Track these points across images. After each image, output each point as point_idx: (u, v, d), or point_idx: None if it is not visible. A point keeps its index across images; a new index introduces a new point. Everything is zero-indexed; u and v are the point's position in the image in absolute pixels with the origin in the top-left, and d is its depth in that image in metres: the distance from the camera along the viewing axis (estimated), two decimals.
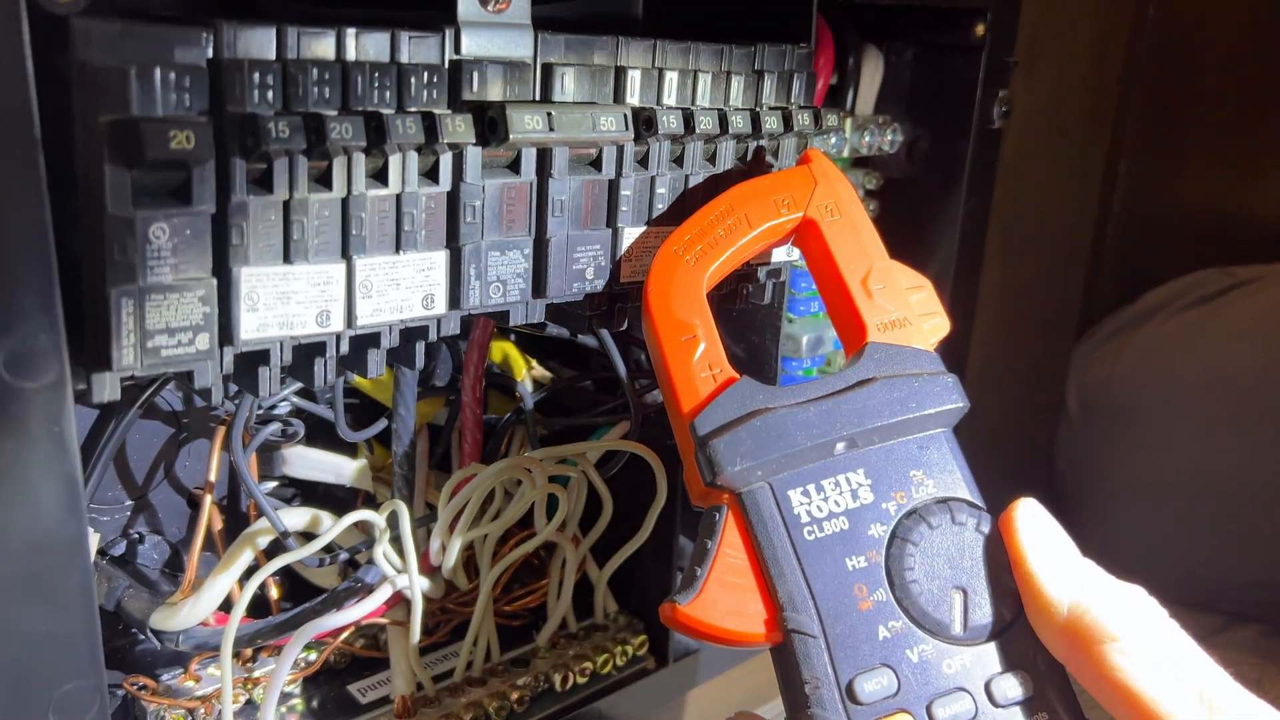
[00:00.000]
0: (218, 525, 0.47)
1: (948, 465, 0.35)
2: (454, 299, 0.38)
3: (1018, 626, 0.33)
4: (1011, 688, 0.32)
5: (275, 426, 0.47)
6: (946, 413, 0.36)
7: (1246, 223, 0.95)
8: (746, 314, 0.56)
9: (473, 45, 0.36)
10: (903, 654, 0.32)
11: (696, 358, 0.36)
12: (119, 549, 0.48)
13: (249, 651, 0.47)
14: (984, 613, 0.33)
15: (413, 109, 0.34)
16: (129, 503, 0.48)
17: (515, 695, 0.49)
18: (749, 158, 0.46)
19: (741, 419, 0.34)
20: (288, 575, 0.50)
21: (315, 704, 0.48)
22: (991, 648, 0.33)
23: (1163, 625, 0.32)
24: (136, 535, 0.49)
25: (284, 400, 0.47)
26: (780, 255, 0.49)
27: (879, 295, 0.38)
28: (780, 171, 0.41)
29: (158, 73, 0.30)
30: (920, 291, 0.39)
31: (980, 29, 0.57)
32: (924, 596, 0.33)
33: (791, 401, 0.35)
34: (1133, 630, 0.31)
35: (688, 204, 0.44)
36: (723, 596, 0.32)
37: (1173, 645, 0.31)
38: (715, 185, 0.45)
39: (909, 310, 0.38)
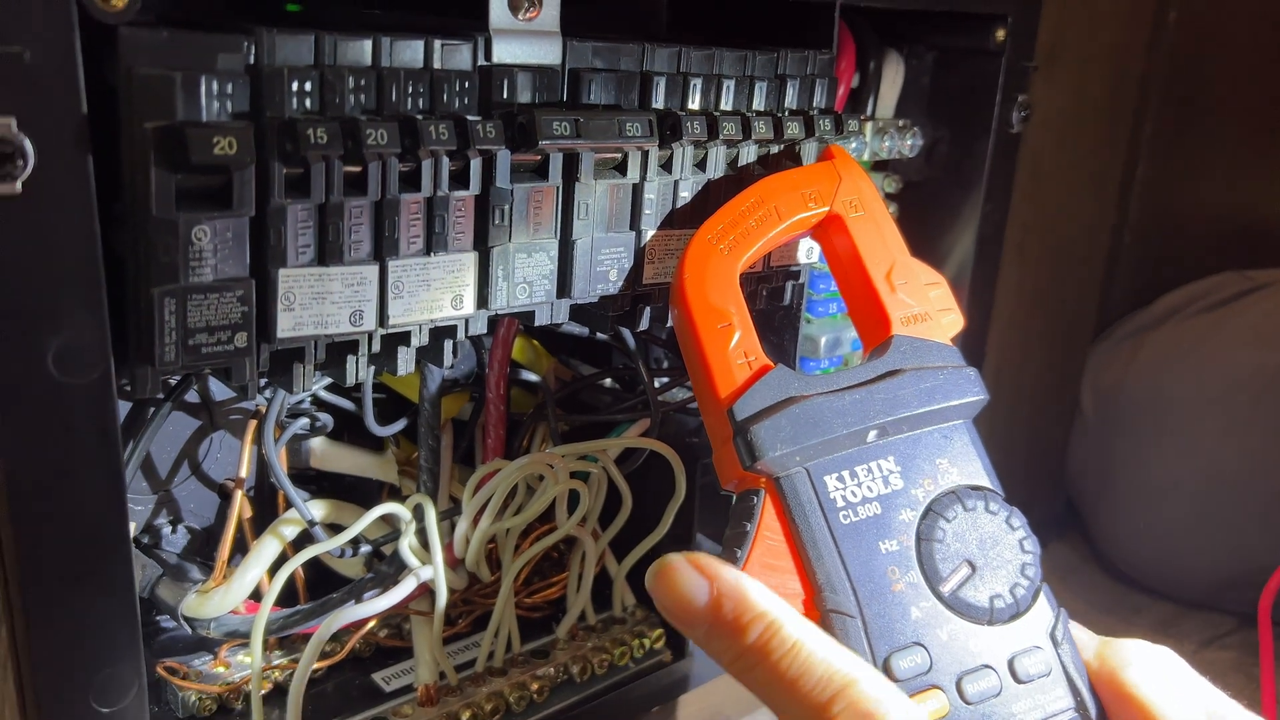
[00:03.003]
0: (247, 515, 0.48)
1: (970, 455, 0.37)
2: (482, 299, 0.39)
3: (1037, 608, 0.35)
4: (1033, 664, 0.34)
5: (304, 420, 0.48)
6: (969, 404, 0.37)
7: (1263, 227, 0.95)
8: (765, 315, 0.56)
9: (503, 52, 0.37)
10: (934, 633, 0.33)
11: (733, 345, 0.37)
12: (148, 537, 0.49)
13: (276, 639, 0.49)
14: (1008, 597, 0.34)
15: (445, 115, 0.35)
16: (157, 493, 0.49)
17: (535, 686, 0.50)
18: (770, 162, 0.46)
19: (779, 405, 0.35)
20: (314, 565, 0.51)
21: (340, 691, 0.49)
22: (1014, 627, 0.34)
23: None
24: (164, 523, 0.50)
25: (308, 395, 0.49)
26: (800, 257, 0.50)
27: (902, 290, 0.39)
28: (806, 166, 0.42)
29: (202, 80, 0.31)
30: (937, 288, 0.40)
31: (1000, 34, 0.58)
32: (953, 579, 0.34)
33: (826, 389, 0.36)
34: None
35: (710, 208, 0.45)
36: (763, 577, 0.33)
37: None
38: (738, 188, 0.46)
39: (929, 305, 0.39)
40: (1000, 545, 0.35)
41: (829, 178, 0.41)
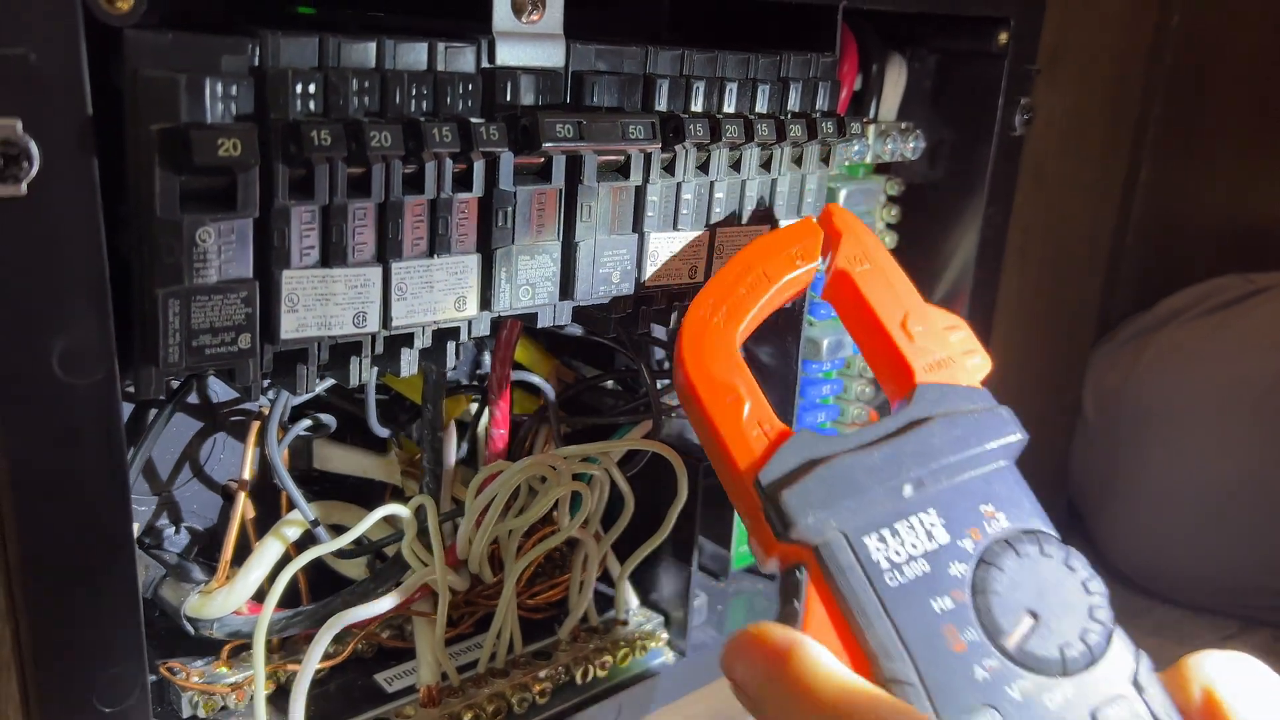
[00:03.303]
0: (250, 516, 0.48)
1: (1016, 498, 0.34)
2: (485, 301, 0.39)
3: (1113, 652, 0.32)
4: (1118, 716, 0.31)
5: (307, 422, 0.48)
6: (1008, 446, 0.35)
7: (1266, 230, 0.95)
8: (769, 317, 0.56)
9: (507, 55, 0.37)
10: (1003, 692, 0.31)
11: (745, 417, 0.35)
12: (151, 538, 0.49)
13: (278, 640, 0.49)
14: (1079, 645, 0.31)
15: (448, 117, 0.35)
16: (160, 494, 0.49)
17: (537, 687, 0.50)
18: (772, 165, 0.46)
19: (805, 468, 0.33)
20: (317, 566, 0.51)
21: (343, 692, 0.49)
22: (1091, 677, 0.31)
23: None
24: (167, 524, 0.50)
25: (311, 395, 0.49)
26: None
27: (920, 337, 0.37)
28: (788, 225, 0.41)
29: (206, 82, 0.31)
30: (959, 330, 0.38)
31: (1003, 37, 0.58)
32: (1016, 632, 0.31)
33: (853, 446, 0.34)
34: None
35: (712, 210, 0.45)
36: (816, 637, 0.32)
37: None
38: (740, 191, 0.46)
39: (951, 349, 0.37)
40: (1063, 589, 0.32)
41: (812, 233, 0.40)
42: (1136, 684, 0.31)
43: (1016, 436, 0.35)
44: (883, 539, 0.32)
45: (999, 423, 0.35)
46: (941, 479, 0.34)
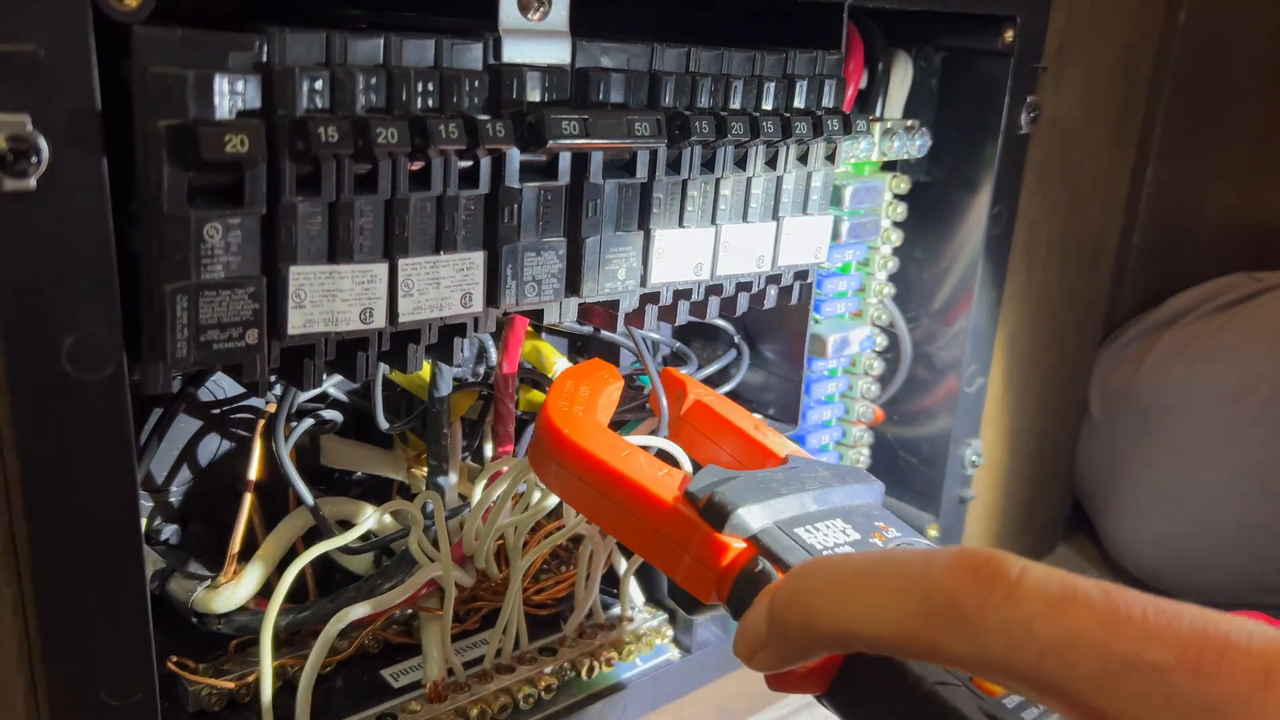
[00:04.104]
0: (257, 511, 0.49)
1: (900, 524, 0.37)
2: (491, 297, 0.39)
3: None
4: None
5: (314, 418, 0.48)
6: (876, 490, 0.39)
7: (1274, 228, 0.95)
8: (774, 314, 0.57)
9: (513, 52, 0.38)
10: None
11: (643, 461, 0.38)
12: (159, 533, 0.50)
13: (285, 635, 0.49)
14: None
15: (455, 114, 0.35)
16: (168, 489, 0.49)
17: (543, 683, 0.50)
18: (778, 162, 0.47)
19: (724, 480, 0.36)
20: (324, 562, 0.51)
21: (349, 687, 0.50)
22: None
23: None
24: (175, 519, 0.50)
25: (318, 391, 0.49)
26: (808, 258, 0.50)
27: (769, 435, 0.43)
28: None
29: (214, 79, 0.31)
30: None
31: (1009, 35, 0.58)
32: None
33: (754, 474, 0.38)
34: None
35: (718, 207, 0.45)
36: None
37: None
38: (746, 188, 0.46)
39: (794, 446, 0.43)
40: None
41: (604, 367, 0.45)
42: None
43: (880, 485, 0.39)
44: (810, 531, 0.35)
45: (864, 475, 0.40)
46: (835, 501, 0.37)
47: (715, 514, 0.35)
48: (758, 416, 0.46)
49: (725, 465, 0.40)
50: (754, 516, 0.35)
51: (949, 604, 0.25)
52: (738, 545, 0.35)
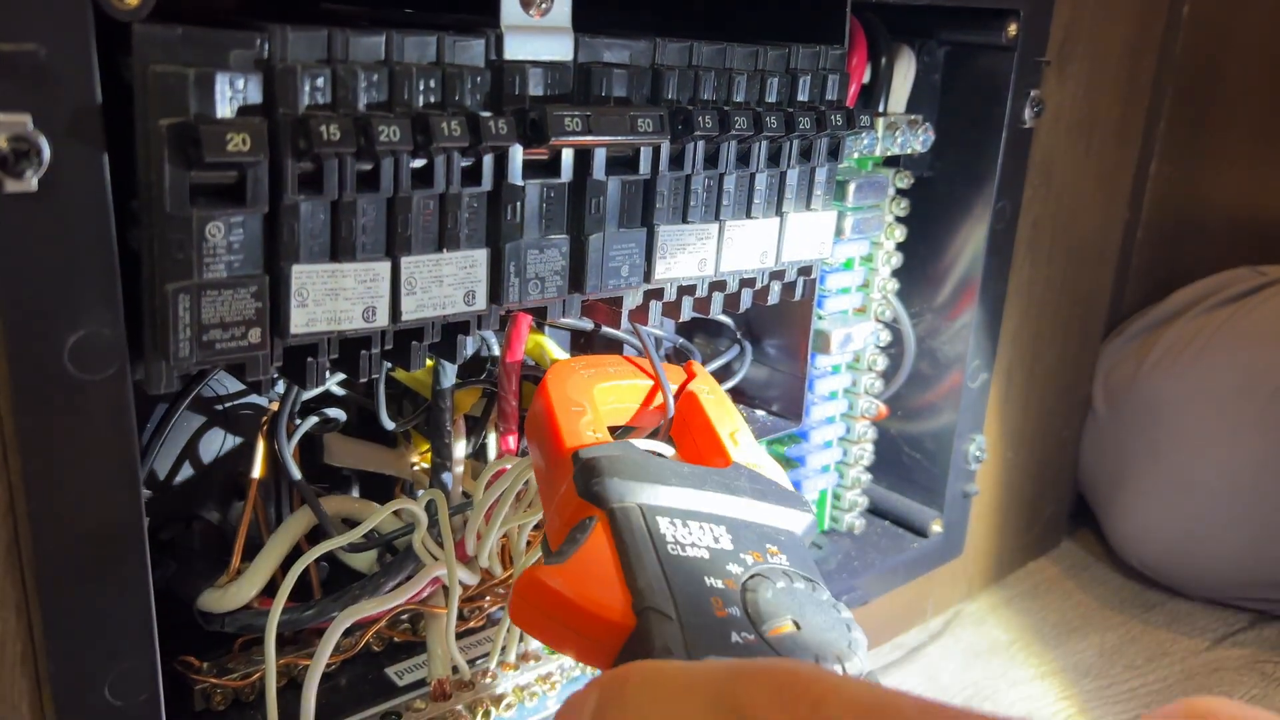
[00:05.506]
0: (261, 511, 0.49)
1: (801, 554, 0.36)
2: (494, 295, 0.39)
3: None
4: None
5: (317, 416, 0.48)
6: (800, 517, 0.38)
7: (1277, 222, 0.94)
8: (778, 310, 0.56)
9: (515, 48, 0.37)
10: (755, 657, 0.30)
11: (584, 421, 0.39)
12: (163, 532, 0.50)
13: (290, 634, 0.49)
14: (834, 662, 0.32)
15: (457, 111, 0.35)
16: (171, 488, 0.49)
17: (548, 681, 0.50)
18: (781, 157, 0.46)
19: (623, 455, 0.36)
20: (328, 560, 0.51)
21: (354, 686, 0.49)
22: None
23: None
24: (179, 519, 0.50)
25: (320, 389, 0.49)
26: (811, 253, 0.50)
27: (743, 447, 0.42)
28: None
29: (216, 77, 0.31)
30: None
31: (1013, 29, 0.58)
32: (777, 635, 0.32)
33: (669, 461, 0.38)
34: None
35: (721, 203, 0.45)
36: (587, 571, 0.32)
37: None
38: (750, 183, 0.46)
39: (767, 463, 0.41)
40: (827, 619, 0.33)
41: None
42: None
43: (810, 516, 0.38)
44: (673, 523, 0.34)
45: (795, 498, 0.38)
46: (736, 511, 0.36)
47: (584, 477, 0.35)
48: (757, 412, 0.45)
49: (692, 459, 0.40)
50: (620, 491, 0.35)
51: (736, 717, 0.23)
52: (589, 510, 0.35)
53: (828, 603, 0.34)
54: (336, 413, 0.49)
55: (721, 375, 0.57)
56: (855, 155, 0.56)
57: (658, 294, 0.45)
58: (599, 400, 0.42)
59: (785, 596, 0.33)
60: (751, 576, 0.33)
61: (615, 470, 0.35)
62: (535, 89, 0.38)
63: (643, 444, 0.44)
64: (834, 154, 0.49)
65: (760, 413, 0.60)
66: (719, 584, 0.33)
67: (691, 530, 0.34)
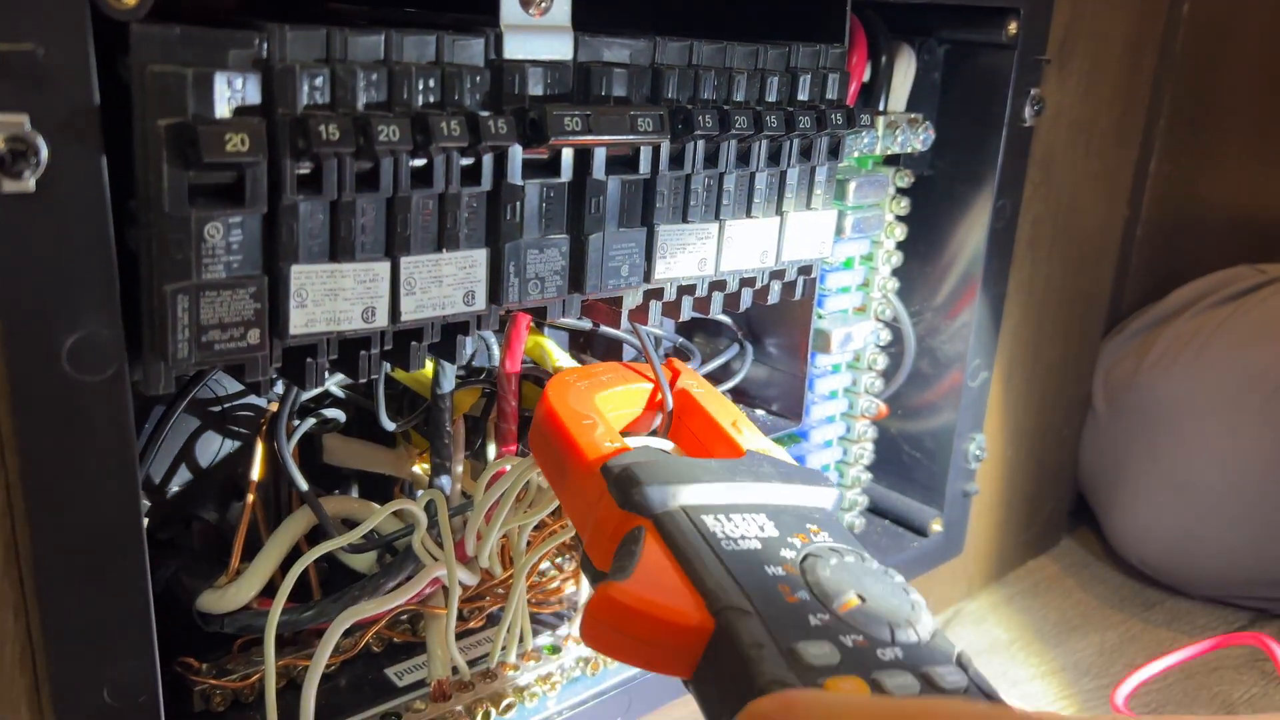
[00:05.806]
0: (260, 512, 0.48)
1: (839, 529, 0.37)
2: (494, 295, 0.39)
3: (937, 639, 0.33)
4: (947, 673, 0.31)
5: (315, 418, 0.48)
6: (827, 493, 0.38)
7: (1278, 220, 0.94)
8: (778, 309, 0.56)
9: (515, 47, 0.37)
10: (839, 636, 0.31)
11: (598, 433, 0.38)
12: (161, 533, 0.49)
13: (289, 634, 0.49)
14: (907, 627, 0.32)
15: (456, 110, 0.35)
16: (170, 489, 0.49)
17: (547, 681, 0.50)
18: (781, 156, 0.46)
19: (653, 460, 0.36)
20: (327, 561, 0.51)
21: (353, 686, 0.49)
22: (918, 650, 0.32)
23: None
24: (178, 519, 0.50)
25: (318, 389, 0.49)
26: (812, 252, 0.50)
27: (746, 434, 0.42)
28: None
29: (214, 77, 0.31)
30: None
31: (1013, 27, 0.58)
32: (848, 611, 0.32)
33: (691, 460, 0.38)
34: None
35: (722, 202, 0.45)
36: (654, 581, 0.32)
37: None
38: (750, 183, 0.46)
39: (771, 445, 0.42)
40: (885, 587, 0.33)
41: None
42: (960, 663, 0.32)
43: (835, 491, 0.39)
44: (719, 520, 0.35)
45: (817, 475, 0.39)
46: (767, 498, 0.37)
47: (621, 488, 0.35)
48: (757, 411, 0.46)
49: (696, 454, 0.40)
50: (660, 496, 0.35)
51: None
52: (635, 520, 0.35)
53: (880, 570, 0.34)
54: (335, 413, 0.49)
55: (721, 375, 0.57)
56: (855, 154, 0.56)
57: (658, 294, 0.45)
58: (603, 409, 0.42)
59: (842, 572, 0.34)
60: (805, 558, 0.34)
61: (651, 476, 0.35)
62: (535, 88, 0.38)
63: (650, 441, 0.44)
64: (834, 153, 0.49)
65: (760, 412, 0.60)
66: (780, 571, 0.33)
67: (737, 523, 0.35)
